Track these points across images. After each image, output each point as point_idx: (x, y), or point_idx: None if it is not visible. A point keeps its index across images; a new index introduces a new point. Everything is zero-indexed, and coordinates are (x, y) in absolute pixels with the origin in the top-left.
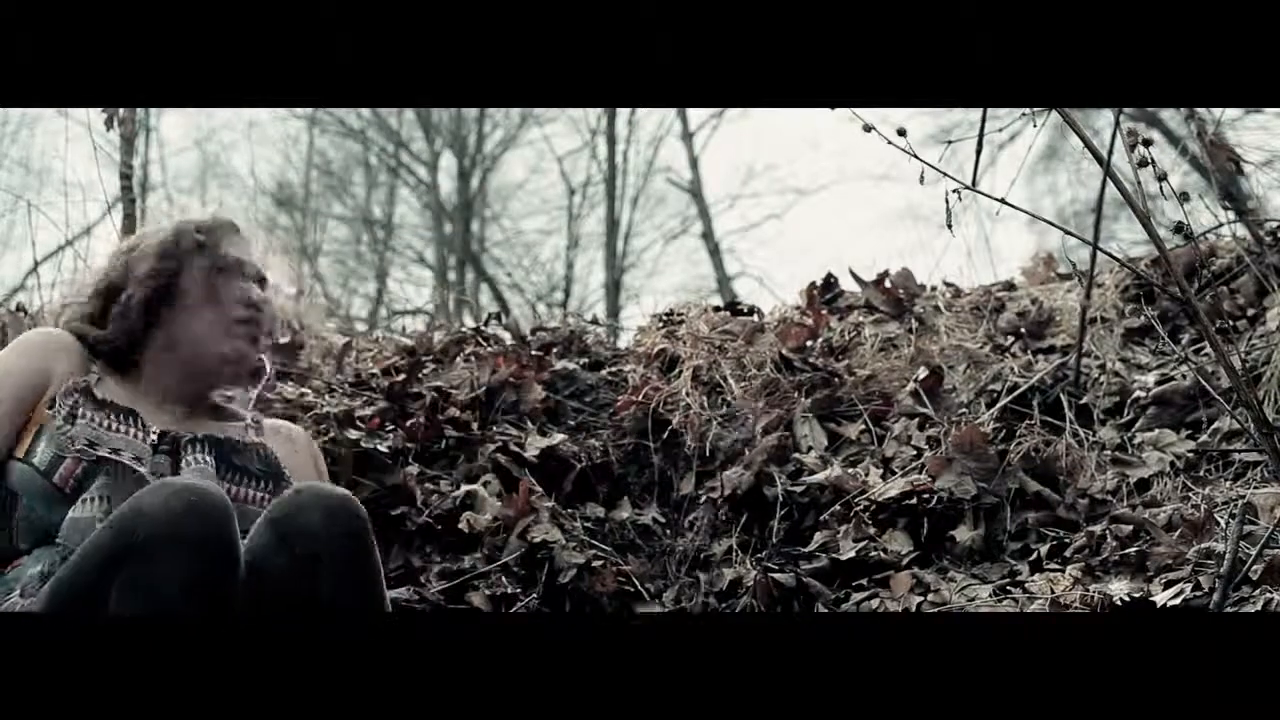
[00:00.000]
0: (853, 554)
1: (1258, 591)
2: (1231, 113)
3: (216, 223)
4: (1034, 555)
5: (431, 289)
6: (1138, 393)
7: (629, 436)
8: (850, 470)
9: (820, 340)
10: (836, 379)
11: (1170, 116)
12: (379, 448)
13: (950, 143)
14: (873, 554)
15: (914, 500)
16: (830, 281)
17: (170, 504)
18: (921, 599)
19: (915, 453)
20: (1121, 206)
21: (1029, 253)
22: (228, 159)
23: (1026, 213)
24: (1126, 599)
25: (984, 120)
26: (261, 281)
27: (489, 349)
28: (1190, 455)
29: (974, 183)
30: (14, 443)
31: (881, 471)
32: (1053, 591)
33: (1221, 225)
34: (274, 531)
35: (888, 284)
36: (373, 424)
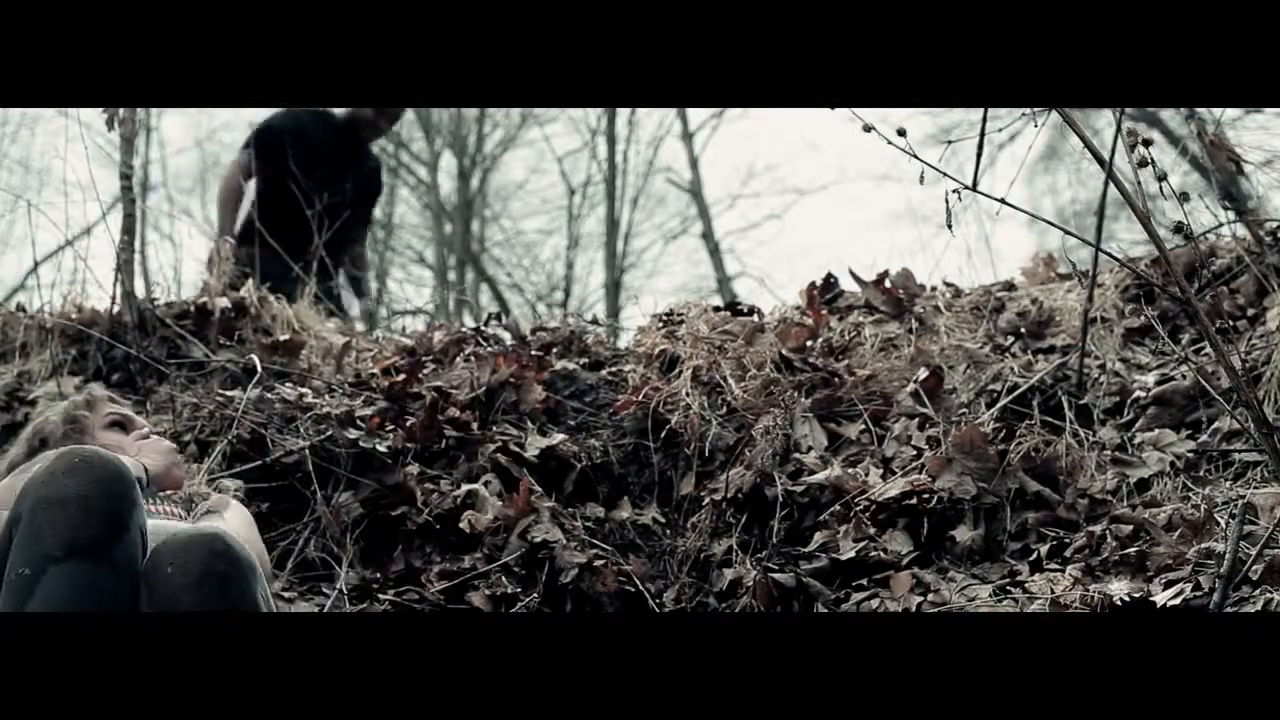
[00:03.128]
0: (853, 554)
1: (1258, 591)
2: (1231, 113)
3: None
4: (1034, 555)
5: (431, 289)
6: (1138, 393)
7: (629, 436)
8: (850, 470)
9: (820, 340)
10: (836, 379)
11: (1170, 116)
12: (379, 448)
13: (950, 143)
14: (873, 554)
15: (914, 500)
16: (830, 281)
17: (53, 467)
18: (921, 599)
19: (915, 453)
20: (1121, 206)
21: (1029, 253)
22: (228, 159)
23: (1026, 213)
24: (1126, 599)
25: (985, 120)
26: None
27: (489, 349)
28: (1190, 455)
29: (975, 183)
30: None
31: (881, 471)
32: (1053, 591)
33: (1221, 225)
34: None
35: (888, 284)
36: (373, 424)
